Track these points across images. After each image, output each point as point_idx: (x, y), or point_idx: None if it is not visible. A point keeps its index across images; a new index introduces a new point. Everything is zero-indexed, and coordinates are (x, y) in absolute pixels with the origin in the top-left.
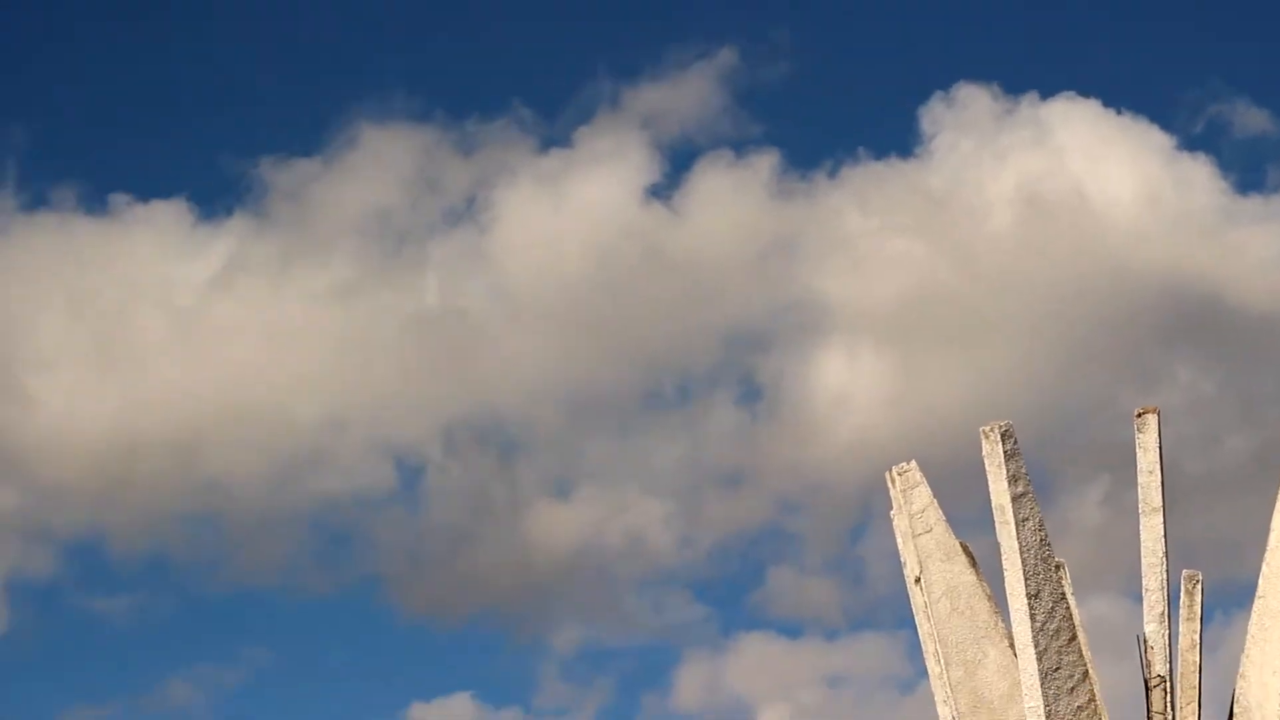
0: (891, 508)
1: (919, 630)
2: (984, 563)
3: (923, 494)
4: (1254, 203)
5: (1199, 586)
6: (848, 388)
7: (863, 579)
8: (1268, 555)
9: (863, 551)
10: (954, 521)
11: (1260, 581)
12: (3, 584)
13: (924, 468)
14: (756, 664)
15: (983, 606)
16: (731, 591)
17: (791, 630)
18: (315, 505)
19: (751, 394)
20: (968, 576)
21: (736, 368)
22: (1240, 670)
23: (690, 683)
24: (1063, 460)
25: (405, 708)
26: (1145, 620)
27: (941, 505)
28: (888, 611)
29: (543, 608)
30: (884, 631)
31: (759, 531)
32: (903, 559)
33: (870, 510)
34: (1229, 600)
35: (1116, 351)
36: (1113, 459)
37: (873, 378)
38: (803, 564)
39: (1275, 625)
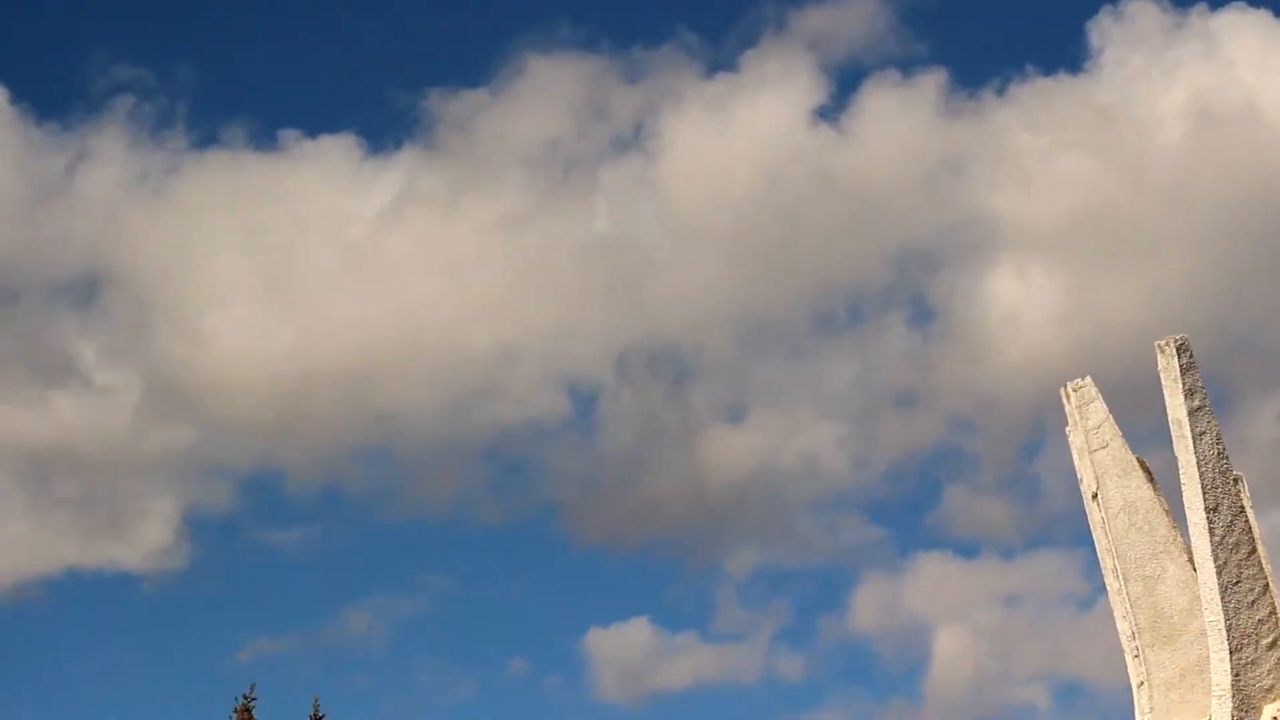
0: (1067, 424)
1: (1097, 547)
2: (1161, 478)
3: (1098, 409)
4: None
5: None
6: (1019, 305)
7: (1038, 497)
8: None
9: (1038, 469)
10: (1132, 437)
11: None
12: (182, 519)
13: (1099, 383)
14: (933, 584)
15: (1161, 521)
16: (907, 512)
17: (968, 550)
18: (489, 435)
19: (923, 314)
20: (1145, 491)
21: (907, 288)
22: None
23: (867, 604)
24: (1239, 374)
25: (583, 634)
26: None
27: (1117, 421)
28: (1064, 529)
29: (718, 532)
30: (1061, 549)
31: (933, 451)
32: (1079, 475)
33: (1044, 427)
34: None
35: None
36: None
37: (1044, 295)
38: (978, 483)
39: None
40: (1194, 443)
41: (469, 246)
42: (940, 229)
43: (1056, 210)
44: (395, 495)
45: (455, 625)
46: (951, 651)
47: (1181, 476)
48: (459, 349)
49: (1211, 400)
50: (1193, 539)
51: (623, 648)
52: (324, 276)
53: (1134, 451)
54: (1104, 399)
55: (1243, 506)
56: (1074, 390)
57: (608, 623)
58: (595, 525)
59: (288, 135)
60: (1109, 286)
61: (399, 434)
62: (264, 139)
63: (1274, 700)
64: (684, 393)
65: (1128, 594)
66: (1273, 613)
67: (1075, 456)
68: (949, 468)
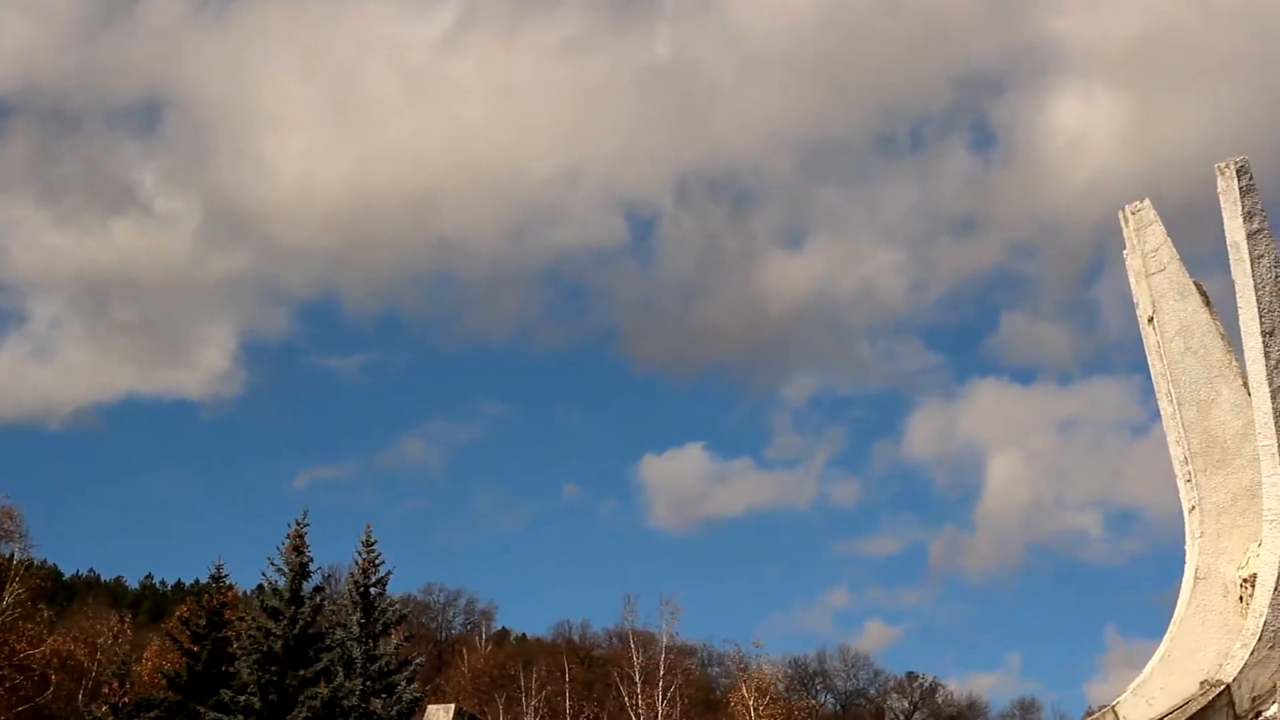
0: (1125, 247)
1: (1151, 371)
2: (1219, 302)
3: (1156, 232)
4: None
5: None
6: (1082, 130)
7: (1096, 323)
8: None
9: (1097, 295)
10: (1191, 261)
11: None
12: (239, 344)
13: (1160, 208)
14: (988, 410)
15: (1216, 345)
16: (964, 338)
17: (1024, 376)
18: (548, 260)
19: (984, 139)
20: (1201, 315)
21: (969, 112)
22: None
23: (921, 430)
24: None
25: (637, 460)
26: None
27: (1178, 245)
28: (1121, 355)
29: (774, 359)
30: (1117, 375)
31: (991, 277)
32: (1135, 299)
33: (1104, 253)
34: None
35: None
36: None
37: (1107, 119)
38: (1036, 309)
39: None
40: (1252, 266)
41: (529, 71)
42: (1004, 52)
43: (1122, 33)
44: (453, 321)
45: (510, 452)
46: (1005, 478)
47: (1238, 300)
48: (519, 174)
49: (1273, 224)
50: (1248, 363)
51: (677, 474)
52: (384, 102)
53: (1192, 275)
54: (1165, 223)
55: None
56: (1132, 213)
57: (662, 449)
58: (652, 351)
59: None
60: (1174, 110)
61: (458, 259)
62: None
63: None
64: (743, 218)
65: (1181, 418)
66: None
67: (1132, 280)
68: (1007, 294)
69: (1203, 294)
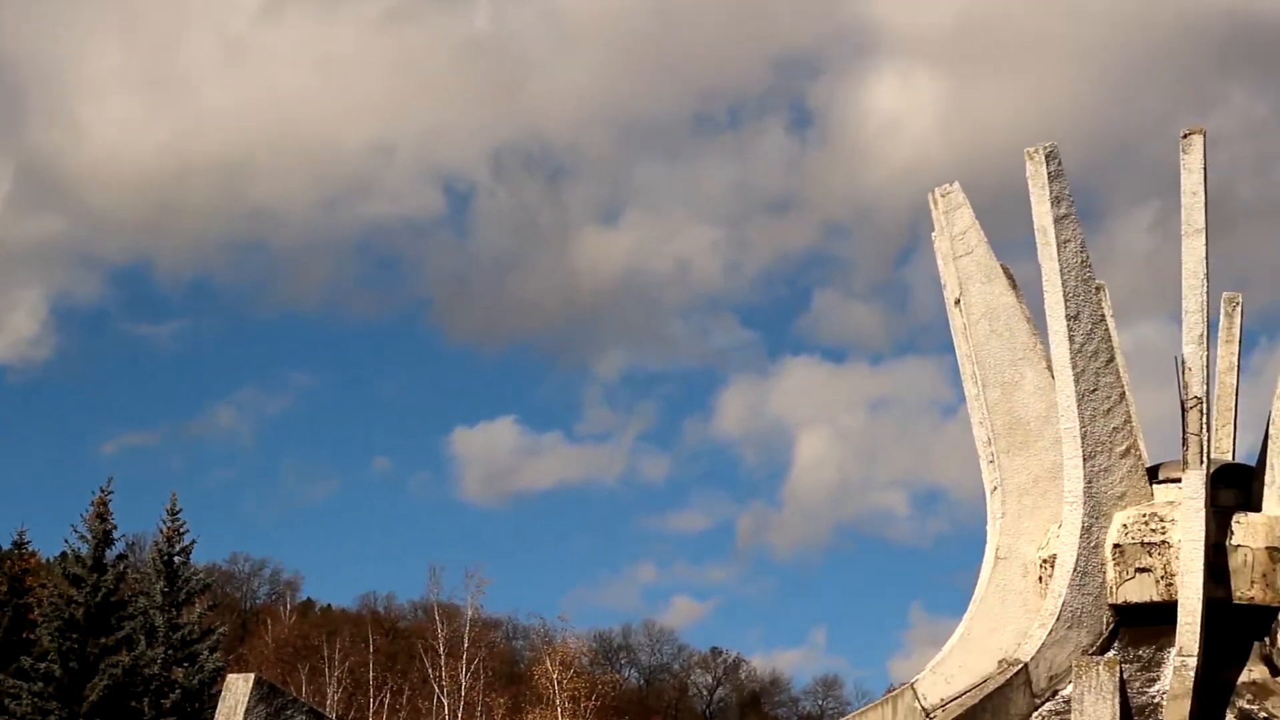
0: (934, 230)
1: (957, 352)
2: (1027, 287)
3: (965, 215)
4: None
5: (1239, 309)
6: (899, 112)
7: (908, 304)
8: None
9: (909, 276)
10: (1002, 246)
11: None
12: (49, 309)
13: (974, 192)
14: (800, 388)
15: (1022, 328)
16: (777, 317)
17: (836, 355)
18: (362, 231)
19: (802, 120)
20: (1007, 298)
21: (787, 93)
22: (1276, 392)
23: (733, 407)
24: (1115, 185)
25: (448, 433)
26: (1184, 342)
27: (990, 229)
28: (933, 336)
29: (588, 333)
30: (927, 356)
31: (806, 257)
32: (943, 281)
33: (918, 235)
34: (1275, 325)
35: (1172, 75)
36: (1164, 184)
37: (924, 102)
38: (849, 289)
39: None
40: (1058, 250)
41: (348, 42)
42: (822, 32)
43: (939, 16)
44: (266, 290)
45: (321, 423)
46: (814, 456)
47: (1044, 284)
48: (335, 144)
49: (1087, 211)
50: (1052, 346)
51: (488, 447)
52: (202, 69)
53: (1003, 259)
54: (977, 207)
55: (1103, 315)
56: (941, 196)
57: (473, 422)
58: (465, 324)
59: None
60: (989, 95)
61: (272, 229)
62: None
63: (1125, 507)
64: (559, 193)
65: (985, 400)
66: (1128, 420)
67: (940, 262)
68: (821, 273)
69: (1009, 277)
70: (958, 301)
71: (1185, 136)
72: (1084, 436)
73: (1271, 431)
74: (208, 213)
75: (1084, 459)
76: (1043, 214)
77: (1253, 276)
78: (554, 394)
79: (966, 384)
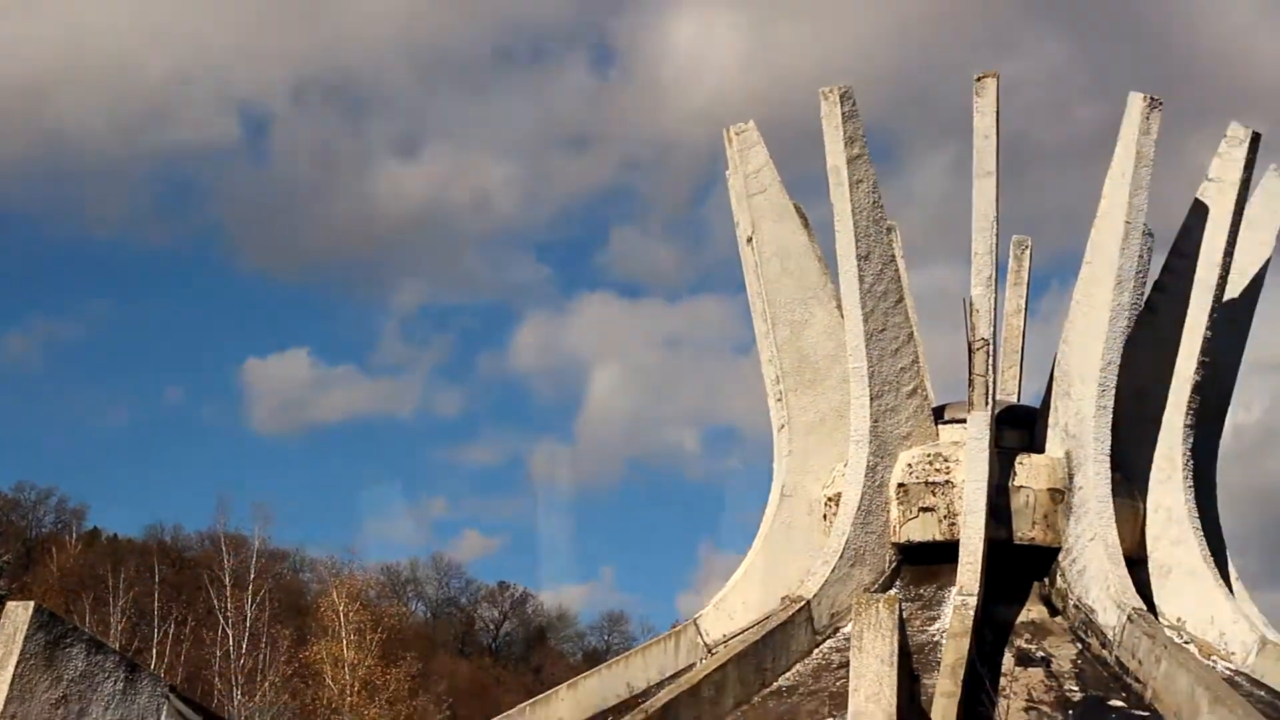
0: (728, 168)
1: (749, 290)
2: (820, 227)
3: (759, 154)
4: None
5: (1028, 252)
6: (700, 50)
7: (706, 242)
8: (1096, 222)
9: (706, 214)
10: (797, 186)
11: (1087, 248)
12: None
13: (774, 132)
14: (595, 324)
15: (813, 267)
16: (574, 252)
17: (632, 291)
18: (158, 157)
19: (603, 55)
20: (799, 238)
21: (589, 28)
22: (1063, 336)
23: (528, 342)
24: (913, 128)
25: (241, 363)
26: (972, 284)
27: (787, 170)
28: (728, 275)
29: (385, 266)
30: (723, 294)
31: (604, 193)
32: (736, 219)
33: (716, 174)
34: (1066, 269)
35: (972, 19)
36: (962, 127)
37: (726, 41)
38: (647, 226)
39: (1099, 292)
40: (850, 190)
41: None
42: None
43: None
44: (59, 216)
45: (112, 350)
46: (607, 392)
47: (836, 224)
48: (133, 69)
49: (886, 153)
50: (842, 285)
51: (281, 378)
52: None
53: (797, 199)
54: (776, 147)
55: (894, 256)
56: (736, 134)
57: (266, 353)
58: (261, 254)
59: None
60: (791, 35)
61: (66, 153)
62: None
63: (910, 447)
64: (358, 123)
65: (775, 338)
66: (915, 361)
67: (734, 200)
68: (619, 210)
69: (802, 217)
70: (750, 240)
71: (979, 80)
72: (871, 376)
73: (1056, 374)
74: (1, 136)
75: (871, 398)
76: (836, 154)
77: (1045, 221)
78: (349, 326)
79: (757, 322)
